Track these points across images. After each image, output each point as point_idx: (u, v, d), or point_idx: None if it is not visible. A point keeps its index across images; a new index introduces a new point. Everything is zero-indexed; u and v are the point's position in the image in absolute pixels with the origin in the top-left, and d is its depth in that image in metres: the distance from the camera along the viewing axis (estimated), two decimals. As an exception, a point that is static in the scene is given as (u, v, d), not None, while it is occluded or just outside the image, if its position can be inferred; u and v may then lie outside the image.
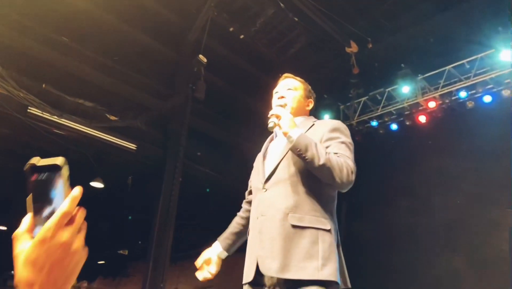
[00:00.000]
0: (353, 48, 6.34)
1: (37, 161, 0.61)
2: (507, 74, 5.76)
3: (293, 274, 1.53)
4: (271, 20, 6.11)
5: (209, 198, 8.12)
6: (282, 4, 5.72)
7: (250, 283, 1.68)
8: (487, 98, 6.02)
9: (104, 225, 9.62)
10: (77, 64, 5.63)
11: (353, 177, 1.66)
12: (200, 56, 5.60)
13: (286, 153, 1.75)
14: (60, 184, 0.60)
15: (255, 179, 1.88)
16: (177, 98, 6.14)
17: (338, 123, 1.83)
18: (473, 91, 6.07)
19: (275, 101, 1.94)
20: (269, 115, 1.76)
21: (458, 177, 6.19)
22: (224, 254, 2.00)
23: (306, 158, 1.60)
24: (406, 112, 6.58)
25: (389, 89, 6.67)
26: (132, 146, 6.16)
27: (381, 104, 6.70)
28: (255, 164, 2.00)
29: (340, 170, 1.62)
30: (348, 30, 6.26)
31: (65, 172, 0.61)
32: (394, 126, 6.80)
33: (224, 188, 7.59)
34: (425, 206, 6.37)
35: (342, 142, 1.75)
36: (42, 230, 0.58)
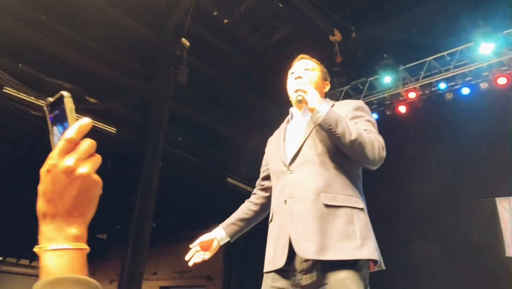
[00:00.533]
0: (337, 36, 6.36)
1: (49, 101, 0.63)
2: (486, 68, 5.87)
3: (332, 255, 1.46)
4: (255, 6, 6.05)
5: (189, 184, 8.10)
6: (267, -10, 5.67)
7: (277, 270, 1.58)
8: (465, 91, 6.15)
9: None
10: (56, 44, 5.47)
11: (384, 153, 1.62)
12: (183, 39, 5.52)
13: (311, 131, 1.68)
14: (65, 116, 0.61)
15: (276, 162, 1.78)
16: (158, 82, 6.05)
17: (360, 102, 1.80)
18: (453, 83, 6.18)
19: (291, 82, 1.86)
20: (294, 90, 1.72)
21: (435, 166, 6.34)
22: (226, 240, 1.87)
23: (337, 133, 1.53)
24: (386, 102, 6.66)
25: (371, 79, 6.73)
26: (112, 129, 6.06)
27: (363, 94, 6.76)
28: (271, 148, 1.91)
29: (372, 145, 1.57)
30: (332, 19, 6.26)
31: (68, 103, 0.62)
32: (374, 116, 6.84)
33: (205, 174, 7.58)
34: (402, 195, 6.51)
35: (368, 121, 1.72)
36: (47, 160, 0.59)
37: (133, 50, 6.12)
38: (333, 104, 1.76)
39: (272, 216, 1.71)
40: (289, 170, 1.66)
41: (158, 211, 5.92)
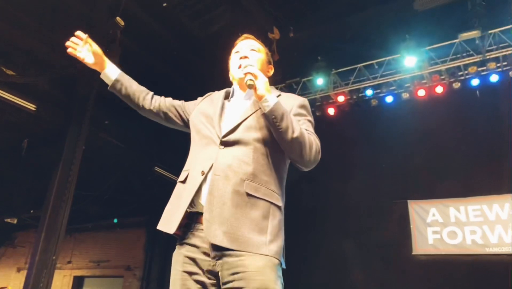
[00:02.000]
0: (276, 34, 6.44)
1: None
2: (408, 79, 6.33)
3: (238, 245, 1.44)
4: (197, -8, 5.94)
5: (113, 170, 7.77)
6: (210, -22, 5.57)
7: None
8: (389, 99, 6.59)
9: (-10, 189, 8.75)
10: (-30, 6, 4.94)
11: (319, 157, 1.62)
12: (118, 18, 5.24)
13: (251, 115, 1.63)
14: None
15: (209, 129, 1.67)
16: (87, 60, 5.70)
17: (306, 101, 1.78)
18: (378, 91, 6.60)
19: (236, 61, 1.79)
20: (244, 72, 1.61)
21: (356, 166, 6.70)
22: (107, 80, 1.99)
23: (280, 127, 1.51)
24: (317, 104, 6.92)
25: (305, 79, 6.94)
26: (31, 106, 5.62)
27: (296, 93, 6.93)
28: (205, 108, 1.79)
29: (310, 147, 1.57)
30: (272, 16, 6.33)
31: None
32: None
33: (131, 160, 7.32)
34: (322, 192, 6.82)
35: (309, 121, 1.71)
36: None
37: (61, 23, 5.70)
38: (279, 95, 1.74)
39: (186, 178, 1.63)
40: (221, 144, 1.60)
41: (77, 196, 5.61)
